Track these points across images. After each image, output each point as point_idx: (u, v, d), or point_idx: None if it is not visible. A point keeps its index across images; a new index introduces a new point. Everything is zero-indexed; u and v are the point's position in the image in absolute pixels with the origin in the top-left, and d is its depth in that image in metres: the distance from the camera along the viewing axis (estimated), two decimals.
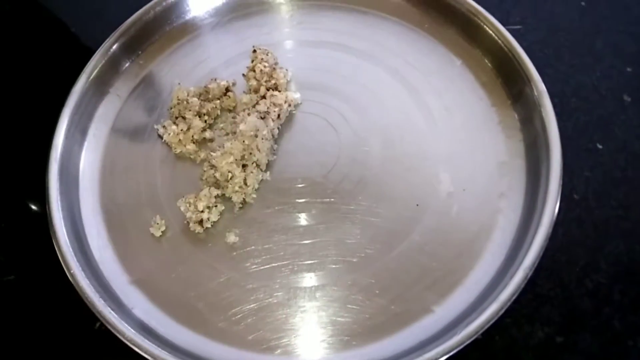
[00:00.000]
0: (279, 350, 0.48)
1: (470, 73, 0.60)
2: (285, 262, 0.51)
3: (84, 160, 0.58)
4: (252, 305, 0.50)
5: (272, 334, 0.48)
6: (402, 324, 0.48)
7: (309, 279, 0.50)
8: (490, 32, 0.59)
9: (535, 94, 0.54)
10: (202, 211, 0.52)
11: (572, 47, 0.65)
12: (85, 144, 0.59)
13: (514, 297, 0.45)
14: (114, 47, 0.62)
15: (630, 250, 0.52)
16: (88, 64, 0.60)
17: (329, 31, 0.65)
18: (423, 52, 0.62)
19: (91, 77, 0.60)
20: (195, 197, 0.53)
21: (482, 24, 0.60)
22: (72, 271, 0.49)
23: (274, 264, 0.51)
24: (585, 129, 0.59)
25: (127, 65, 0.63)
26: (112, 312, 0.48)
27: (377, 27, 0.64)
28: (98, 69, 0.60)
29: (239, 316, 0.49)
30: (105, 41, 0.61)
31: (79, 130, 0.59)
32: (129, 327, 0.47)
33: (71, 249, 0.50)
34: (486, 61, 0.60)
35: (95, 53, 0.61)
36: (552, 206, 0.48)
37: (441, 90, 0.59)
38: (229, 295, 0.50)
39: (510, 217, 0.51)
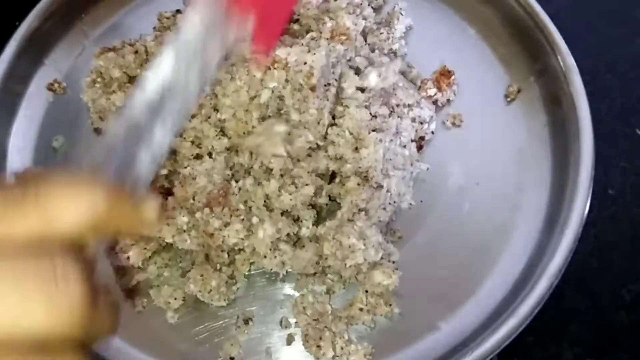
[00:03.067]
0: None
1: (486, 44, 0.61)
2: (261, 269, 0.52)
3: (12, 146, 0.58)
4: (219, 323, 0.51)
5: (246, 356, 0.49)
6: (403, 343, 0.49)
7: (289, 289, 0.52)
8: None
9: (563, 69, 0.55)
10: None
11: (607, 14, 0.67)
12: (14, 126, 0.59)
13: (536, 311, 0.47)
14: (52, 8, 0.62)
15: None
16: (19, 28, 0.60)
17: None
18: (429, 18, 0.63)
19: (22, 46, 0.60)
20: None
21: None
22: None
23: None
24: (622, 112, 0.61)
25: (67, 32, 0.64)
26: None
27: None
28: (31, 34, 0.60)
29: (203, 335, 0.50)
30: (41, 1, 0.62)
31: (5, 111, 0.59)
32: None
33: None
34: (505, 30, 0.61)
35: (29, 15, 0.61)
36: (582, 202, 0.50)
37: (450, 64, 0.60)
38: (190, 311, 0.51)
39: (532, 215, 0.53)
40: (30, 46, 0.60)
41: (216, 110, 0.51)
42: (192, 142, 0.52)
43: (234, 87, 0.50)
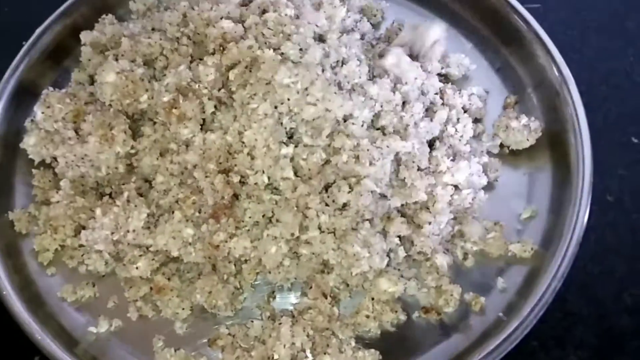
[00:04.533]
0: None
1: (483, 57, 0.63)
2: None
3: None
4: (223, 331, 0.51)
5: None
6: (410, 350, 0.50)
7: (293, 298, 0.52)
8: (506, 10, 0.61)
9: (560, 80, 0.57)
10: None
11: (600, 28, 0.68)
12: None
13: (539, 315, 0.48)
14: (54, 32, 0.62)
15: None
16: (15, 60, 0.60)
17: None
18: None
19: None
20: None
21: (496, 1, 0.63)
22: (3, 292, 0.50)
23: None
24: (617, 121, 0.62)
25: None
26: (54, 341, 0.49)
27: None
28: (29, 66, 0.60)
29: None
30: (43, 24, 0.61)
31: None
32: None
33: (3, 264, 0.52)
34: (501, 44, 0.63)
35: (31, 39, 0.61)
36: (582, 209, 0.51)
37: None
38: (198, 321, 0.52)
39: (533, 221, 0.54)
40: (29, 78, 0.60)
41: None
42: None
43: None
